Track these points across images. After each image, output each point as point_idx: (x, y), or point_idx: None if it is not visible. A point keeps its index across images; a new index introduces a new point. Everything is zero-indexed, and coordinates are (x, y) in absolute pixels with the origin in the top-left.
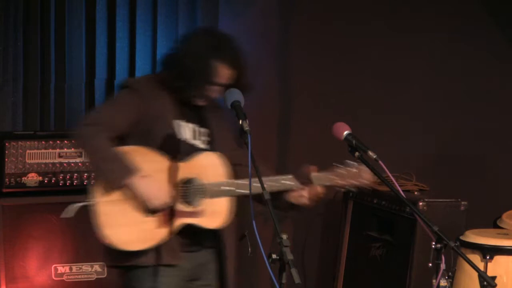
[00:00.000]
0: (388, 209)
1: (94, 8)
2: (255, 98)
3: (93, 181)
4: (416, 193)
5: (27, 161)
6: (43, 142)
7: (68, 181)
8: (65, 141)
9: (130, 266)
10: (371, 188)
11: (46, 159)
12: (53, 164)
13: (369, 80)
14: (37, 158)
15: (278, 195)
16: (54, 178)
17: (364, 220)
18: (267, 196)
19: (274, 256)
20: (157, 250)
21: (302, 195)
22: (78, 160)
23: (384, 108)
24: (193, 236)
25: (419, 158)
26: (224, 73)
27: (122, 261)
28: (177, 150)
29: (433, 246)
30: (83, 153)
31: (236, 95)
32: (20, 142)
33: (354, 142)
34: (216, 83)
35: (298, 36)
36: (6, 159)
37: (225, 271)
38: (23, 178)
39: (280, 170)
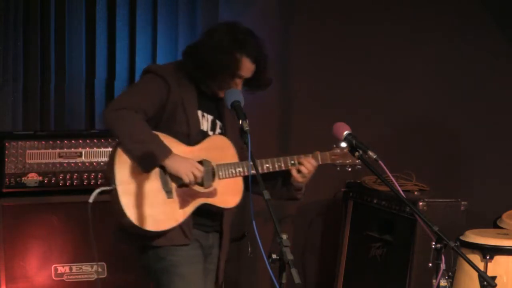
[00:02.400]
0: (388, 209)
1: (94, 8)
2: (255, 98)
3: (110, 165)
4: (416, 193)
5: (27, 161)
6: (43, 142)
7: (68, 181)
8: (65, 141)
9: (145, 245)
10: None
11: (46, 159)
12: (53, 164)
13: (369, 80)
14: (37, 158)
15: (286, 180)
16: (54, 178)
17: (364, 220)
18: (267, 196)
19: (274, 256)
20: (171, 231)
21: (301, 169)
22: (78, 160)
23: (384, 108)
24: (206, 217)
25: (419, 158)
26: (247, 66)
27: (136, 241)
28: (195, 140)
29: (433, 246)
30: (116, 136)
31: (236, 95)
32: (20, 142)
33: (354, 142)
34: (239, 75)
35: (298, 36)
36: (6, 159)
37: (221, 259)
38: (23, 178)
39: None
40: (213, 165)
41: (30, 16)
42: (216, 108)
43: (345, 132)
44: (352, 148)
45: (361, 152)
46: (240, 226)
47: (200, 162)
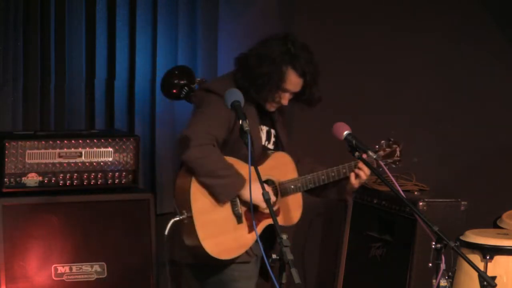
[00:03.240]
0: (388, 209)
1: (94, 8)
2: None
3: (183, 195)
4: (416, 193)
5: (27, 161)
6: (43, 142)
7: (68, 181)
8: (65, 141)
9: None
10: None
11: (46, 159)
12: (53, 164)
13: (369, 80)
14: (37, 158)
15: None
16: (54, 178)
17: (364, 220)
18: (266, 196)
19: (274, 256)
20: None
21: (357, 175)
22: (78, 160)
23: (384, 108)
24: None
25: (419, 158)
26: (293, 80)
27: (202, 261)
28: (259, 155)
29: (433, 246)
30: (197, 172)
31: (236, 95)
32: (20, 142)
33: (354, 142)
34: (284, 89)
35: (298, 36)
36: (6, 159)
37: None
38: (23, 178)
39: None
40: (276, 184)
41: (30, 16)
42: (268, 116)
43: (345, 132)
44: (352, 148)
45: (361, 152)
46: None
47: (266, 182)
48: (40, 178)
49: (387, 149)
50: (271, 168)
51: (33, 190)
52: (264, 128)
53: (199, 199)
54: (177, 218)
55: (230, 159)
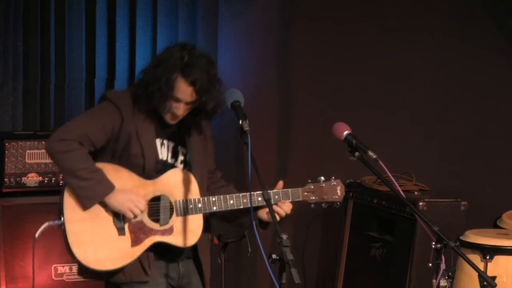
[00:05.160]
0: (388, 209)
1: (94, 8)
2: (255, 98)
3: (60, 198)
4: (416, 193)
5: (27, 161)
6: (43, 142)
7: None
8: None
9: (106, 281)
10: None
11: (46, 159)
12: (53, 164)
13: (369, 80)
14: (37, 158)
15: (246, 212)
16: (54, 178)
17: (364, 220)
18: (267, 196)
19: (274, 256)
20: (128, 267)
21: (277, 211)
22: None
23: (384, 108)
24: (167, 252)
25: (419, 158)
26: (181, 88)
27: (96, 277)
28: (152, 169)
29: (433, 246)
30: (60, 170)
31: (236, 95)
32: (20, 142)
33: (354, 142)
34: (175, 97)
35: (298, 36)
36: (6, 159)
37: (206, 285)
38: (23, 178)
39: (280, 170)
40: (171, 200)
41: (30, 16)
42: (178, 133)
43: (345, 132)
44: (352, 148)
45: (361, 152)
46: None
47: (158, 198)
48: (40, 178)
49: (322, 184)
50: (167, 184)
51: (33, 190)
52: (169, 144)
53: (73, 204)
54: (52, 223)
55: (111, 166)
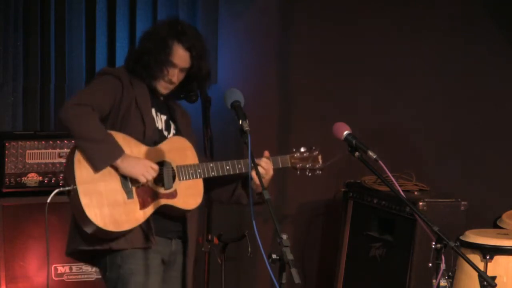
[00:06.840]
0: (388, 209)
1: (94, 8)
2: (255, 98)
3: (68, 165)
4: (416, 193)
5: (27, 161)
6: (43, 142)
7: None
8: (65, 141)
9: (105, 250)
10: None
11: (46, 159)
12: (53, 164)
13: (370, 80)
14: (37, 158)
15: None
16: (54, 178)
17: (364, 220)
18: (267, 196)
19: (274, 256)
20: (131, 233)
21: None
22: None
23: (384, 108)
24: (167, 222)
25: (419, 158)
26: (179, 53)
27: (95, 245)
28: (151, 138)
29: (433, 246)
30: (72, 134)
31: (236, 95)
32: (20, 142)
33: (354, 142)
34: (172, 63)
35: (298, 36)
36: (6, 159)
37: (188, 266)
38: (23, 178)
39: (280, 170)
40: (173, 166)
41: (30, 16)
42: (168, 109)
43: (345, 132)
44: (352, 148)
45: (361, 152)
46: (240, 226)
47: (161, 163)
48: (40, 178)
49: (305, 154)
50: (168, 150)
51: (33, 190)
52: (163, 117)
53: (83, 168)
54: (63, 189)
55: (120, 134)
